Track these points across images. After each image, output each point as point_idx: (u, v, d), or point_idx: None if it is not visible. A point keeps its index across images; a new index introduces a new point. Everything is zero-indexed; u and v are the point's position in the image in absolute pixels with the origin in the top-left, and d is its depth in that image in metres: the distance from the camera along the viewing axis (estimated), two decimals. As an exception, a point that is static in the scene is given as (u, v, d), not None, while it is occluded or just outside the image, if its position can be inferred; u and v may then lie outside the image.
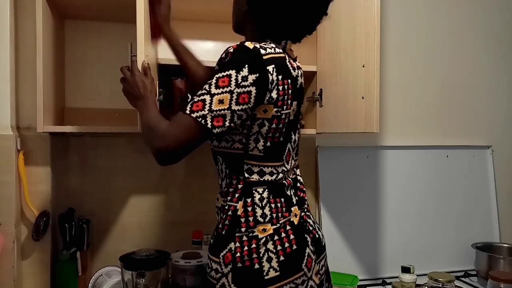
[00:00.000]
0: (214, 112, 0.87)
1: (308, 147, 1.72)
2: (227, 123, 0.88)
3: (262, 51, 0.90)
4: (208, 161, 1.60)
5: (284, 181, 1.00)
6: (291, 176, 1.05)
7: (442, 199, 1.84)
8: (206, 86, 0.89)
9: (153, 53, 1.30)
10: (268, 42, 0.97)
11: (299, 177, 1.10)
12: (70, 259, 1.39)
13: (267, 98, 0.91)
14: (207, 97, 0.87)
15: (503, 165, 1.97)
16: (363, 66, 1.21)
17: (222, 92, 0.87)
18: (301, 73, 1.05)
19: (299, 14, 0.98)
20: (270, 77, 0.90)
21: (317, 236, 1.03)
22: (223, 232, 0.96)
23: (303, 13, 0.98)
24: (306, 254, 0.96)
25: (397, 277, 1.56)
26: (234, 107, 0.87)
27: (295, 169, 1.08)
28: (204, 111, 0.86)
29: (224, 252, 0.94)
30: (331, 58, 1.39)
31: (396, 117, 1.85)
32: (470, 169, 1.89)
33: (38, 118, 1.22)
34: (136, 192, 1.55)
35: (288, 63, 0.96)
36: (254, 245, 0.93)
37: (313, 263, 0.98)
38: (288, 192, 1.00)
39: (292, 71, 0.97)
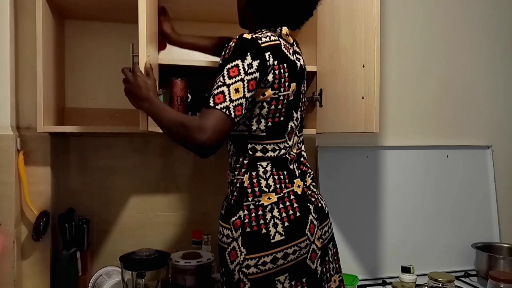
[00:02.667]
0: (234, 102, 0.93)
1: (308, 147, 1.72)
2: (243, 111, 0.95)
3: (259, 40, 0.99)
4: (208, 161, 1.60)
5: (287, 156, 1.08)
6: (294, 151, 1.11)
7: (442, 199, 1.84)
8: (220, 78, 0.95)
9: (155, 53, 1.30)
10: (264, 32, 1.05)
11: (303, 153, 1.17)
12: (70, 259, 1.39)
13: (265, 82, 0.99)
14: (225, 88, 0.93)
15: (503, 165, 1.97)
16: (363, 66, 1.21)
17: (236, 81, 0.94)
18: (301, 57, 1.14)
19: (294, 3, 1.07)
20: (268, 62, 0.98)
21: (319, 205, 1.11)
22: (232, 202, 1.05)
23: (297, 2, 1.07)
24: (309, 221, 1.04)
25: (397, 277, 1.56)
26: (247, 94, 0.95)
27: (299, 144, 1.15)
28: (226, 102, 0.92)
29: (234, 218, 1.02)
30: (331, 58, 1.39)
31: (396, 117, 1.85)
32: (470, 169, 1.89)
33: (38, 118, 1.22)
34: (136, 192, 1.55)
35: (284, 49, 1.04)
36: (260, 212, 1.01)
37: (316, 229, 1.05)
38: (291, 166, 1.08)
39: (289, 55, 1.05)
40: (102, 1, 1.32)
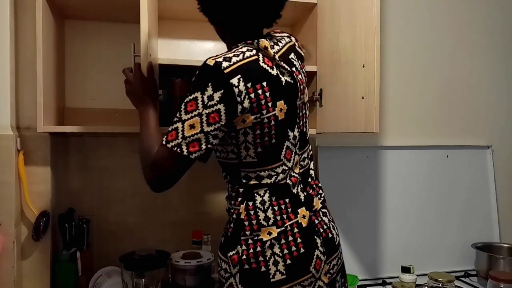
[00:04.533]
0: (188, 139, 0.89)
1: (308, 147, 1.72)
2: (203, 146, 0.90)
3: (225, 64, 0.89)
4: (208, 161, 1.60)
5: (287, 181, 0.98)
6: (297, 171, 1.02)
7: (442, 199, 1.84)
8: (177, 113, 0.91)
9: (155, 53, 1.30)
10: (240, 47, 0.95)
11: (311, 171, 1.07)
12: (70, 259, 1.39)
13: (240, 109, 0.90)
14: (179, 125, 0.90)
15: (503, 165, 1.97)
16: (363, 66, 1.21)
17: (192, 117, 0.89)
18: (289, 69, 1.01)
19: (248, 10, 0.96)
20: (236, 89, 0.89)
21: (330, 236, 1.02)
22: (229, 234, 0.98)
23: (252, 8, 0.97)
24: (315, 257, 0.96)
25: (397, 277, 1.56)
26: (206, 129, 0.89)
27: (302, 162, 1.05)
28: (178, 139, 0.89)
29: (231, 253, 0.96)
30: (331, 58, 1.39)
31: (396, 117, 1.85)
32: (470, 169, 1.89)
33: (38, 118, 1.22)
34: (136, 192, 1.55)
35: (262, 64, 0.94)
36: (259, 248, 0.93)
37: (323, 264, 0.97)
38: (294, 190, 0.99)
39: (269, 70, 0.95)
40: (102, 1, 1.32)
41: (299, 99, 1.03)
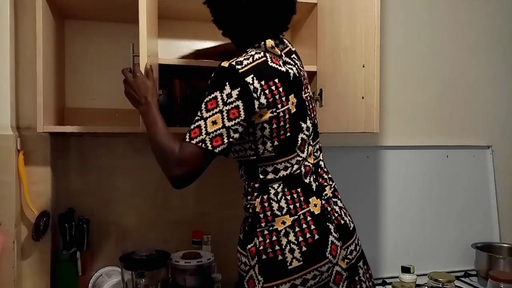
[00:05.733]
0: (211, 134, 0.93)
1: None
2: (225, 140, 0.94)
3: (238, 66, 0.95)
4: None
5: (301, 169, 1.03)
6: (311, 161, 1.07)
7: (442, 199, 1.84)
8: (198, 112, 0.95)
9: (155, 53, 1.30)
10: (249, 51, 1.01)
11: (321, 162, 1.12)
12: (70, 259, 1.39)
13: (257, 105, 0.96)
14: (202, 122, 0.94)
15: (503, 165, 1.97)
16: (363, 66, 1.21)
17: (213, 114, 0.94)
18: (294, 64, 1.07)
19: (259, 18, 1.03)
20: (251, 87, 0.95)
21: (342, 222, 1.06)
22: (247, 228, 1.03)
23: (261, 16, 1.03)
24: (330, 242, 0.99)
25: (397, 277, 1.56)
26: (227, 124, 0.94)
27: (315, 153, 1.11)
28: (202, 135, 0.93)
29: (249, 246, 1.00)
30: (331, 58, 1.39)
31: (396, 117, 1.85)
32: (470, 169, 1.89)
33: (38, 118, 1.22)
34: (136, 192, 1.55)
35: (271, 63, 1.00)
36: (275, 238, 0.97)
37: (339, 250, 1.01)
38: (307, 180, 1.04)
39: (279, 68, 1.01)
40: (102, 1, 1.32)
41: (305, 92, 1.08)
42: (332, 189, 1.11)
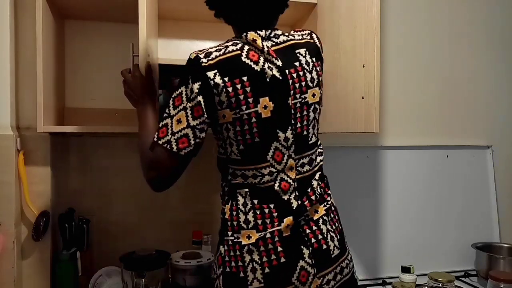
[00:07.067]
0: (176, 135, 0.89)
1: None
2: (192, 142, 0.90)
3: (203, 59, 0.90)
4: (208, 161, 1.60)
5: (275, 185, 0.94)
6: (291, 176, 0.95)
7: (442, 199, 1.84)
8: (166, 109, 0.92)
9: (155, 53, 1.30)
10: (226, 42, 0.95)
11: (313, 182, 0.99)
12: (70, 259, 1.39)
13: (217, 102, 0.90)
14: (169, 121, 0.91)
15: (503, 165, 1.97)
16: (363, 66, 1.21)
17: (179, 111, 0.90)
18: (278, 64, 0.94)
19: (246, 5, 0.96)
20: (212, 82, 0.89)
21: (324, 247, 0.95)
22: (218, 234, 1.00)
23: (249, 4, 0.96)
24: (299, 268, 0.91)
25: (397, 277, 1.56)
26: (192, 123, 0.89)
27: (300, 168, 0.98)
28: (168, 135, 0.90)
29: (217, 254, 0.97)
30: (331, 58, 1.39)
31: (396, 117, 1.85)
32: (470, 169, 1.89)
33: (38, 118, 1.22)
34: (136, 192, 1.55)
35: (245, 59, 0.91)
36: (238, 252, 0.92)
37: (310, 277, 0.92)
38: (285, 197, 0.94)
39: (252, 65, 0.91)
40: (102, 1, 1.32)
41: (294, 97, 0.95)
42: (327, 206, 1.00)
